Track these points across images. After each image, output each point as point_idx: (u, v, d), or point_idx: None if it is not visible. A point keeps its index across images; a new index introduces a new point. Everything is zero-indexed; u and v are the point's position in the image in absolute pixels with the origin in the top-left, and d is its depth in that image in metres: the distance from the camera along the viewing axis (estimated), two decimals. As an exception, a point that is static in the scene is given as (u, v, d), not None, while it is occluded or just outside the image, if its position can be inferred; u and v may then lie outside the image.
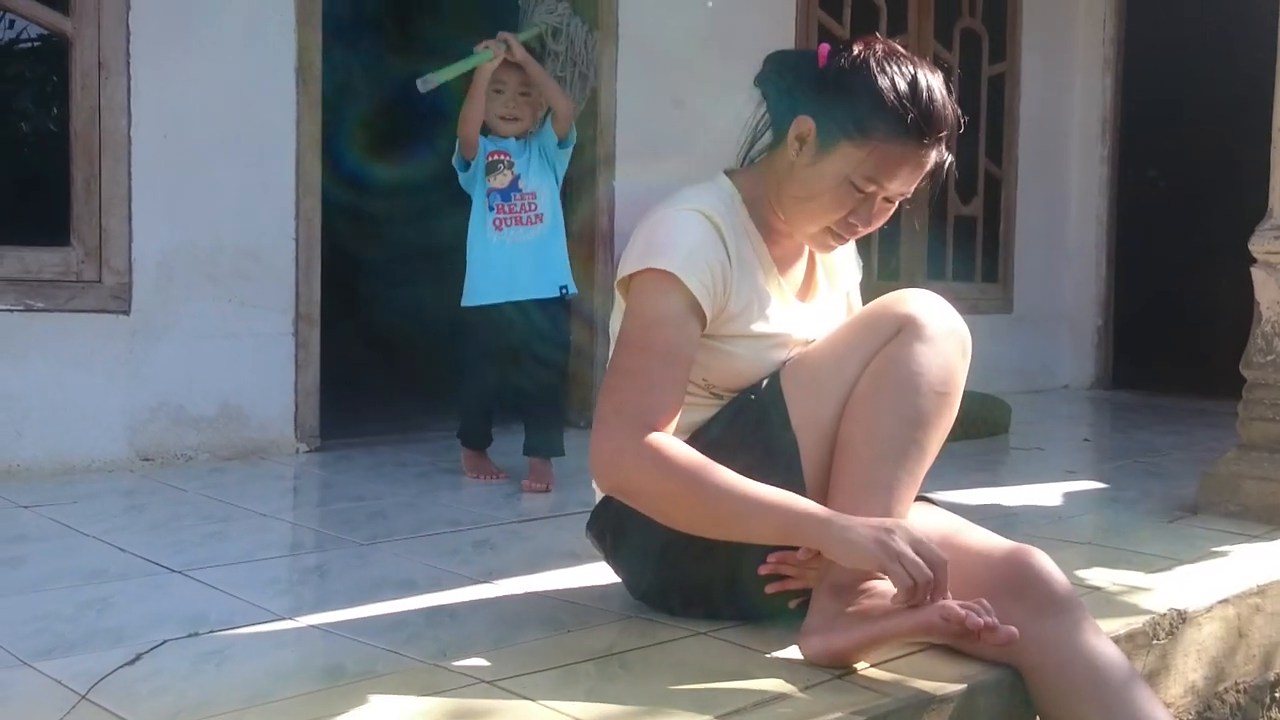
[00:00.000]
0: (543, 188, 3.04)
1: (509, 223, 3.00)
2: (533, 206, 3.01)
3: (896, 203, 1.70)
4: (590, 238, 4.13)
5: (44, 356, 3.04)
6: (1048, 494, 3.02)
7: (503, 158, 3.02)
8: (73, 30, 3.08)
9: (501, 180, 3.01)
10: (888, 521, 1.49)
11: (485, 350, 3.04)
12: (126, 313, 3.15)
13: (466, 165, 3.04)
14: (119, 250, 3.14)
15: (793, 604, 1.64)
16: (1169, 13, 5.75)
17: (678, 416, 1.61)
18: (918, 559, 1.44)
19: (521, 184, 3.01)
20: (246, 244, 3.34)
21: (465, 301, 3.02)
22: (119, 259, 3.14)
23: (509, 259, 2.98)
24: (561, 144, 3.09)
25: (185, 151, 3.22)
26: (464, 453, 3.13)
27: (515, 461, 3.09)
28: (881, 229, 1.76)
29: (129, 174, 3.14)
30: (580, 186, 4.16)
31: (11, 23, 4.66)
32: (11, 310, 2.99)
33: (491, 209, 3.00)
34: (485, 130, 3.04)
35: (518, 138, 3.06)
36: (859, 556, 1.48)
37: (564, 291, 3.02)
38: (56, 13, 3.11)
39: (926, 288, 1.75)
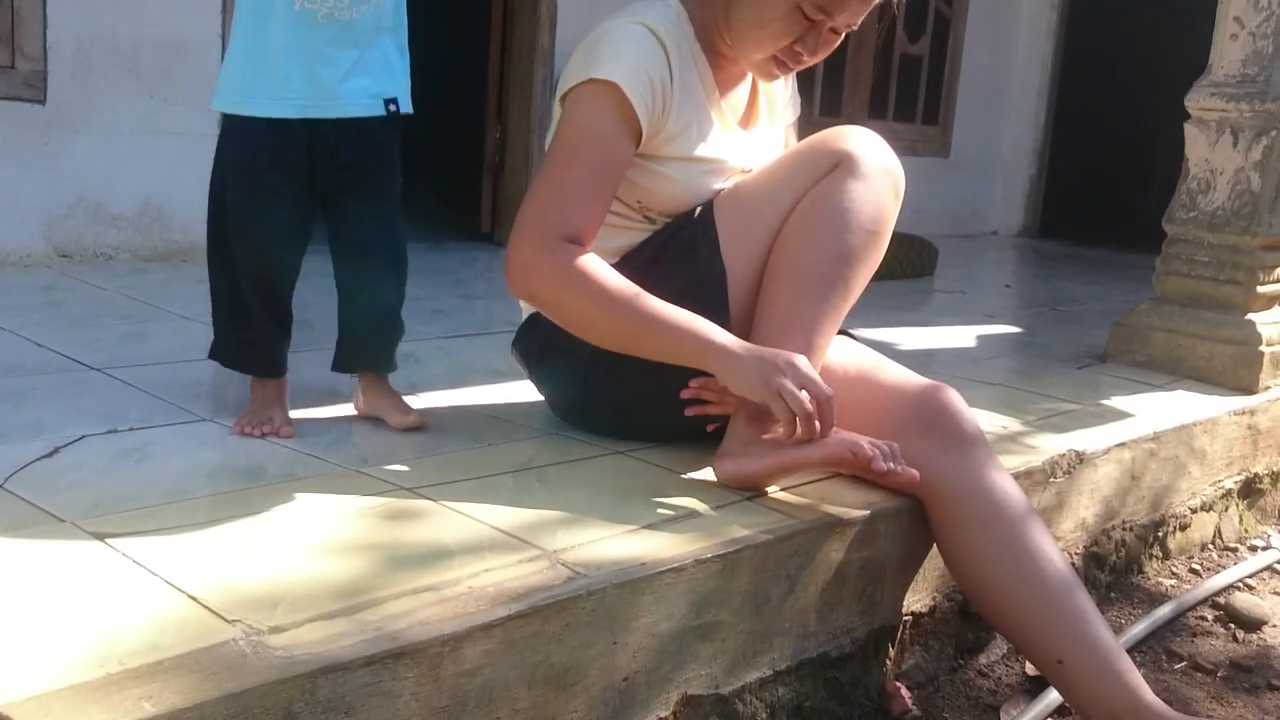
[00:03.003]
0: None
1: None
2: None
3: (843, 35, 1.68)
4: (530, 54, 4.02)
5: (-46, 143, 2.92)
6: (965, 336, 3.10)
7: None
8: None
9: None
10: (780, 354, 1.52)
11: (271, 194, 1.70)
12: (41, 102, 3.03)
13: None
14: (33, 35, 2.99)
15: (710, 429, 1.68)
16: None
17: (594, 229, 1.60)
18: (799, 394, 1.48)
19: None
20: (171, 38, 3.20)
21: (225, 105, 1.69)
22: (32, 45, 2.99)
23: (315, 43, 1.65)
24: None
25: (103, -68, 3.05)
26: (252, 389, 1.79)
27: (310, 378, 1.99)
28: (825, 64, 1.74)
29: (42, -48, 2.97)
30: (522, -2, 4.03)
31: None
32: (-83, 92, 2.85)
33: None
34: None
35: None
36: (745, 388, 1.52)
37: (393, 109, 1.74)
38: None
39: (867, 126, 1.74)
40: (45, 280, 2.89)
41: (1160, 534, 2.31)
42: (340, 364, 1.86)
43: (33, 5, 2.97)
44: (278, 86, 1.66)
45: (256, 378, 1.79)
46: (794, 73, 1.77)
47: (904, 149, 5.14)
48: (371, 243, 1.78)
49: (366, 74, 1.71)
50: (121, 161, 3.16)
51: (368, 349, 1.84)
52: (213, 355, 1.82)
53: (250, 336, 1.77)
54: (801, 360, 1.51)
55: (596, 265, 1.57)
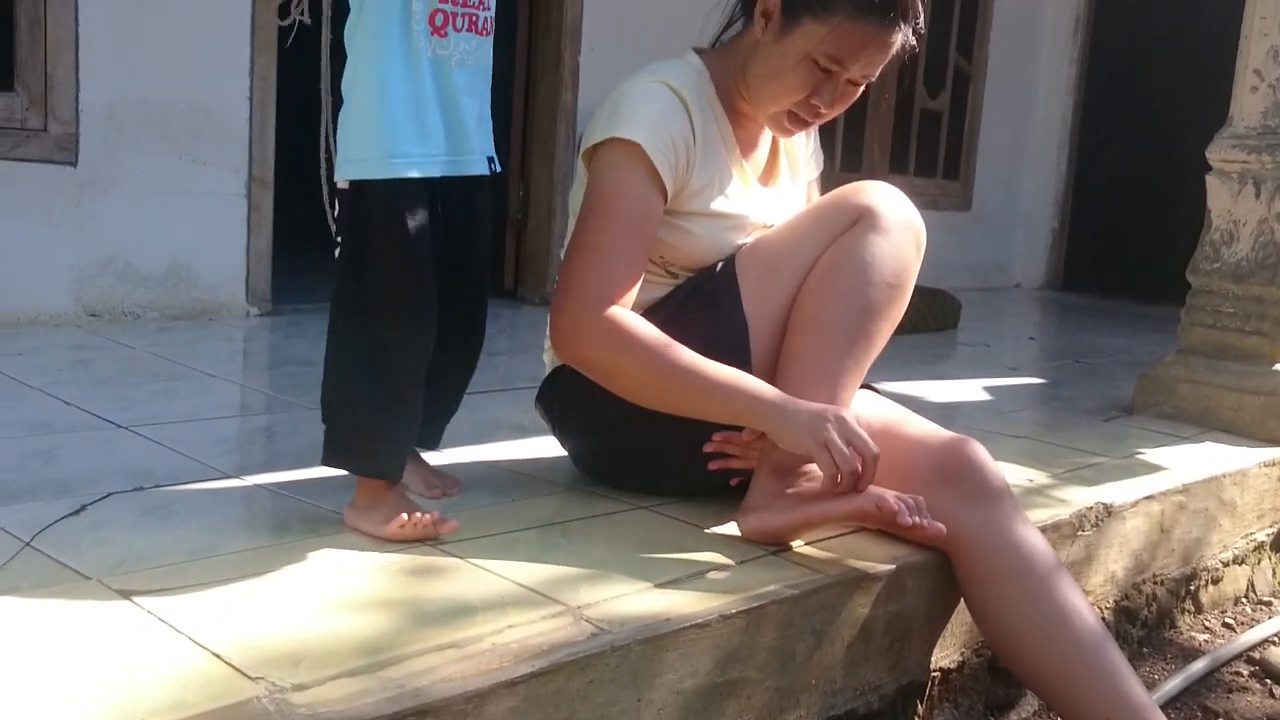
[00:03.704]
0: None
1: (458, 23, 1.51)
2: (485, 1, 1.54)
3: (860, 87, 1.69)
4: (553, 112, 4.07)
5: (-12, 205, 2.97)
6: (990, 389, 3.09)
7: None
8: None
9: None
10: (829, 409, 1.52)
11: (425, 264, 1.50)
12: (73, 164, 3.08)
13: None
14: (65, 98, 3.05)
15: (734, 482, 1.68)
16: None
17: (636, 289, 1.61)
18: (845, 449, 1.48)
19: None
20: (199, 100, 3.26)
21: (368, 171, 1.46)
22: (65, 108, 3.05)
23: (453, 92, 1.51)
24: None
25: (136, -1, 3.12)
26: (368, 493, 1.56)
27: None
28: (846, 119, 1.75)
29: (75, 18, 3.04)
30: (544, 58, 4.09)
31: None
32: (-47, 155, 2.91)
33: None
34: None
35: None
36: (794, 440, 1.52)
37: (494, 167, 1.60)
38: None
39: (888, 181, 1.75)
40: (74, 339, 2.93)
41: (1192, 588, 2.28)
42: None
43: (66, 69, 3.04)
44: (424, 142, 1.48)
45: (387, 481, 1.55)
46: (814, 128, 1.78)
47: (926, 203, 5.17)
48: (459, 322, 1.60)
49: (483, 127, 1.57)
50: (150, 221, 3.21)
51: (427, 423, 1.66)
52: (333, 459, 1.54)
53: (391, 434, 1.53)
54: (849, 415, 1.52)
55: (639, 324, 1.58)
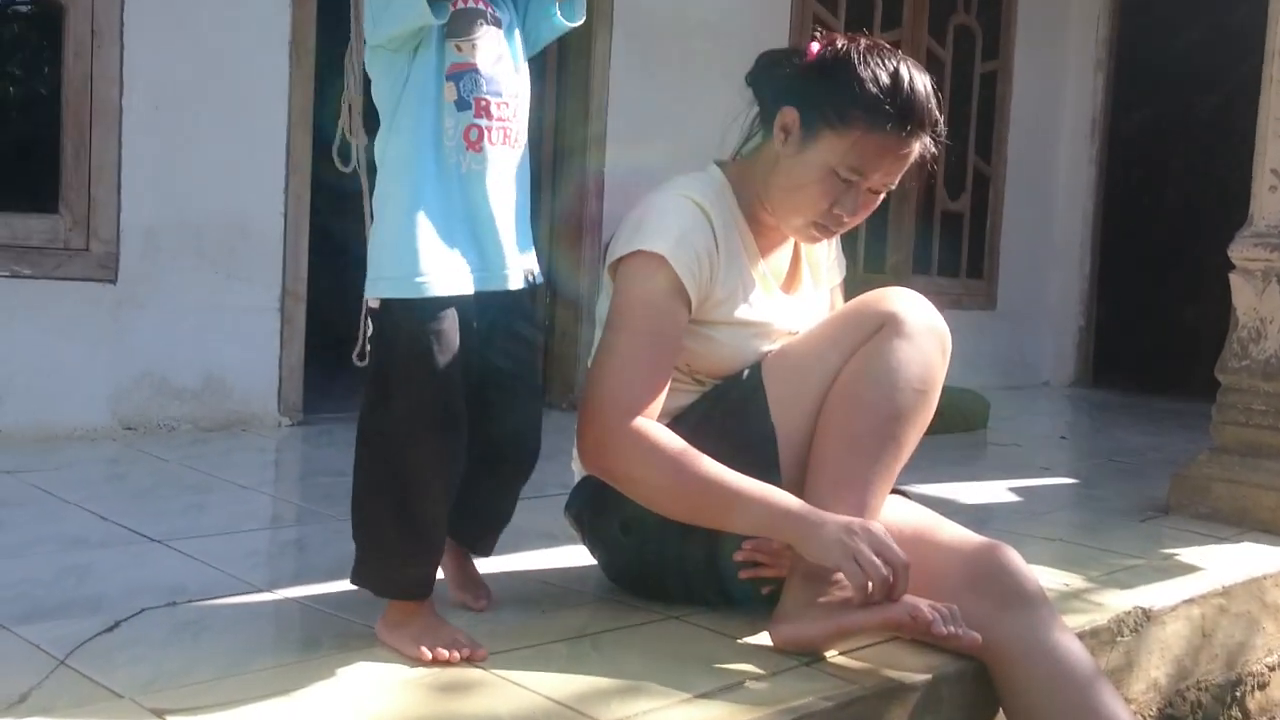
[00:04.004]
0: (526, 82, 1.58)
1: (493, 136, 1.49)
2: (517, 112, 1.53)
3: (881, 195, 1.72)
4: (579, 222, 4.15)
5: (29, 323, 3.04)
6: (1022, 490, 3.06)
7: (479, 4, 1.51)
8: (66, -3, 3.07)
9: (479, 52, 1.48)
10: (854, 521, 1.52)
11: (454, 384, 1.47)
12: (113, 281, 3.16)
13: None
14: (107, 219, 3.14)
15: (765, 590, 1.67)
16: (1162, 15, 5.78)
17: (661, 399, 1.63)
18: (875, 560, 1.48)
19: (506, 64, 1.53)
20: (234, 218, 3.34)
21: (396, 290, 1.45)
22: (107, 228, 3.14)
23: (487, 207, 1.49)
24: (566, 9, 1.61)
25: (176, 123, 3.22)
26: (398, 611, 1.54)
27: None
28: (868, 222, 1.78)
29: (119, 144, 3.14)
30: (568, 169, 4.17)
31: (2, -14, 4.64)
32: (-2, 275, 2.99)
33: (463, 105, 1.47)
34: None
35: None
36: (821, 554, 1.52)
37: (532, 280, 1.58)
38: (50, -21, 3.11)
39: (912, 282, 1.78)
40: (110, 453, 2.96)
41: (1238, 693, 2.23)
42: None
43: (108, 191, 3.13)
44: (454, 260, 1.45)
45: (415, 601, 1.53)
46: (837, 235, 1.81)
47: (950, 302, 5.20)
48: (506, 435, 1.59)
49: (520, 240, 1.55)
50: (186, 336, 3.27)
51: (473, 529, 1.68)
52: (361, 582, 1.54)
53: (415, 558, 1.50)
54: (877, 526, 1.52)
55: (664, 436, 1.59)
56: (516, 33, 1.56)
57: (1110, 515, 2.75)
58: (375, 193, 1.49)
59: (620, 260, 1.66)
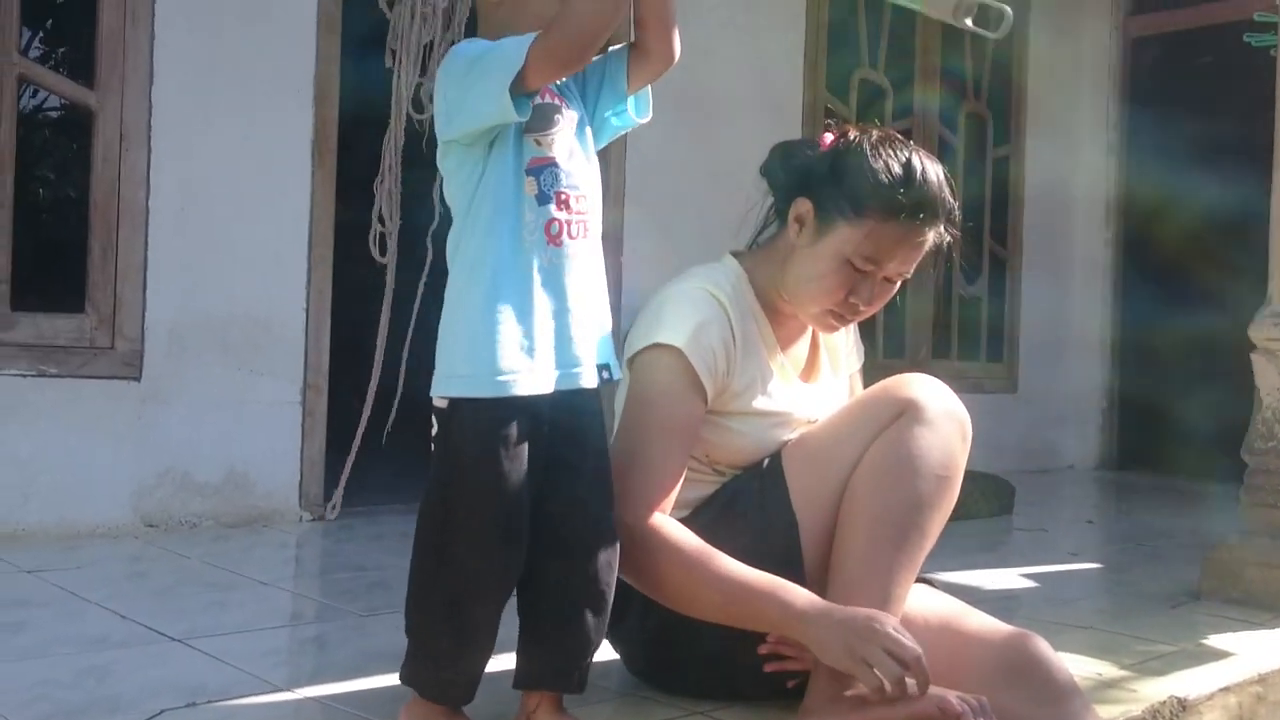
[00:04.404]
0: (597, 174, 1.56)
1: (573, 230, 1.48)
2: (592, 205, 1.52)
3: (898, 283, 1.73)
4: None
5: (54, 421, 3.07)
6: (1050, 577, 3.01)
7: (554, 99, 1.50)
8: (97, 103, 3.15)
9: (556, 146, 1.48)
10: (860, 618, 1.49)
11: (521, 487, 1.42)
12: (137, 379, 3.19)
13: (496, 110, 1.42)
14: (132, 318, 3.18)
15: (790, 684, 1.64)
16: (1172, 99, 5.84)
17: (676, 493, 1.62)
18: (887, 659, 1.45)
19: (580, 157, 1.52)
20: (257, 313, 3.39)
21: (471, 389, 1.42)
22: (132, 326, 3.18)
23: (565, 301, 1.47)
24: (635, 105, 1.59)
25: (201, 222, 3.28)
26: (423, 708, 1.51)
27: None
28: (886, 307, 1.79)
29: (145, 243, 3.20)
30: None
31: (35, 92, 4.79)
32: (25, 375, 3.02)
33: (544, 199, 1.46)
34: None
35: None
36: (831, 657, 1.51)
37: (606, 375, 1.54)
38: (82, 86, 3.20)
39: (932, 366, 1.78)
40: (132, 550, 2.96)
41: (1281, 785, 2.16)
42: (525, 679, 1.51)
43: (134, 290, 3.18)
44: (532, 358, 1.40)
45: (448, 706, 1.48)
46: (854, 322, 1.82)
47: (970, 386, 5.19)
48: (585, 532, 1.48)
49: (596, 334, 1.49)
50: (209, 431, 3.29)
51: (558, 661, 1.50)
52: (411, 682, 1.49)
53: (461, 664, 1.46)
54: (885, 620, 1.49)
55: (680, 533, 1.58)
56: (587, 128, 1.54)
57: (1141, 601, 2.71)
58: (449, 288, 1.45)
59: (637, 353, 1.67)
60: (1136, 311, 6.00)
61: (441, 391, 1.42)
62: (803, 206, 1.70)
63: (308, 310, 3.46)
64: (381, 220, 2.01)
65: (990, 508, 4.09)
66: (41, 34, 5.24)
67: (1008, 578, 2.96)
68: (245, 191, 3.36)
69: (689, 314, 1.66)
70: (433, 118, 1.58)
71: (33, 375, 3.03)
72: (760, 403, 1.72)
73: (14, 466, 3.00)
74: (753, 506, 1.69)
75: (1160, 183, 5.84)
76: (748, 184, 1.82)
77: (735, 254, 1.82)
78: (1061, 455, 5.94)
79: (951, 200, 1.69)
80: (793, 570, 1.59)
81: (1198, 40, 5.77)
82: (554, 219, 1.44)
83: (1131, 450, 5.97)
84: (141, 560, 2.86)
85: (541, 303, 1.43)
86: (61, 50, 5.28)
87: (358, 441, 3.46)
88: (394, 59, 2.86)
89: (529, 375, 1.40)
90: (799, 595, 1.54)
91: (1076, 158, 6.01)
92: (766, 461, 1.72)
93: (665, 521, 1.58)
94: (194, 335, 3.28)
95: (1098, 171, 6.01)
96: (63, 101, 4.02)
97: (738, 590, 1.55)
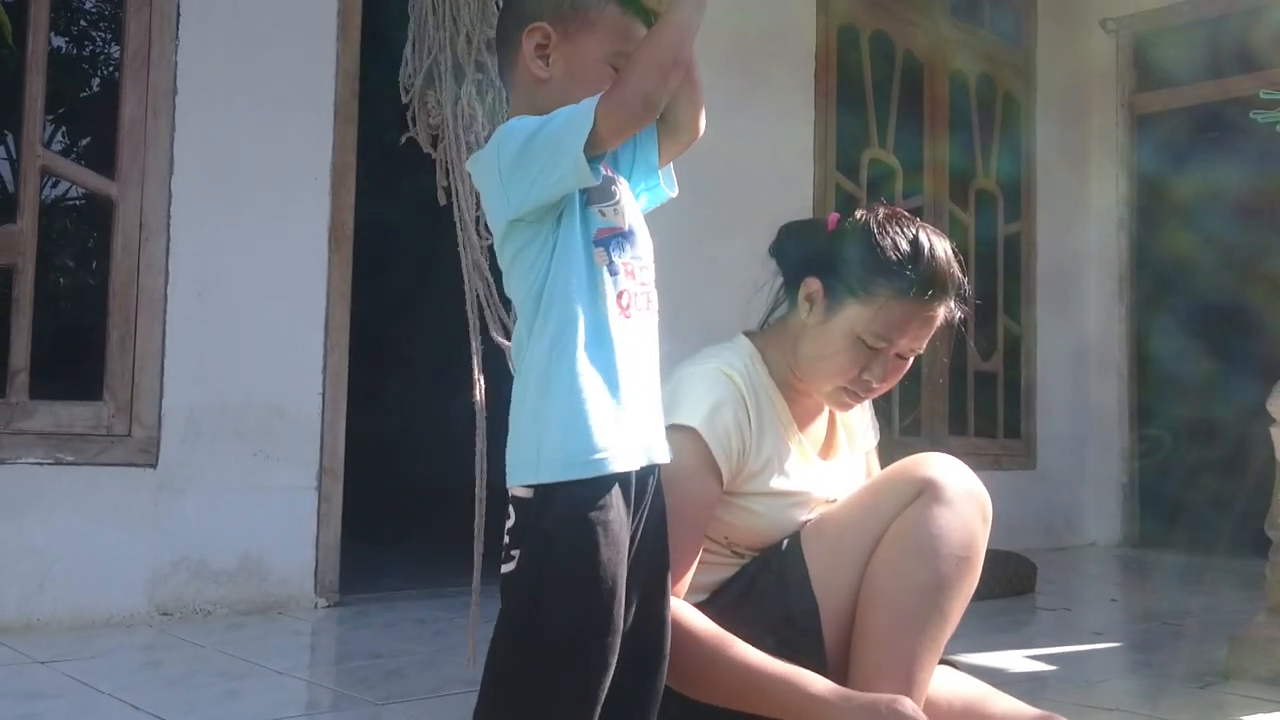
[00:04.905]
0: (650, 245, 1.47)
1: (639, 301, 1.41)
2: (649, 275, 1.45)
3: (910, 360, 1.73)
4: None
5: (70, 509, 3.06)
6: (1075, 657, 2.96)
7: (608, 172, 1.43)
8: (117, 194, 3.20)
9: (621, 215, 1.42)
10: (881, 703, 1.48)
11: (604, 580, 1.29)
12: (153, 466, 3.19)
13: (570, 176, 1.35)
14: (149, 405, 3.19)
15: (813, 772, 1.60)
16: (1181, 171, 5.87)
17: (690, 575, 1.61)
18: None
19: (639, 225, 1.46)
20: (273, 399, 3.40)
21: (569, 472, 1.30)
22: (149, 413, 3.19)
23: (637, 374, 1.38)
24: (664, 179, 1.53)
25: (218, 310, 3.31)
26: None
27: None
28: (902, 385, 1.78)
29: (163, 331, 3.22)
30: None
31: (56, 182, 4.87)
32: (42, 463, 3.03)
33: (614, 270, 1.39)
34: None
35: None
36: None
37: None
38: (103, 177, 3.25)
39: (949, 443, 1.78)
40: (146, 639, 2.94)
41: None
42: None
43: (151, 377, 3.20)
44: (622, 432, 1.31)
45: None
46: (868, 400, 1.81)
47: (988, 463, 5.15)
48: (649, 632, 1.36)
49: (660, 407, 1.42)
50: (224, 518, 3.28)
51: None
52: None
53: None
54: (907, 705, 1.47)
55: (694, 619, 1.57)
56: (637, 200, 1.48)
57: (1168, 682, 2.65)
58: (523, 373, 1.35)
59: (653, 434, 1.67)
60: (1155, 385, 5.98)
61: (531, 479, 1.30)
62: (812, 285, 1.71)
63: (324, 394, 3.47)
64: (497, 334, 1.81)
65: (1012, 587, 4.03)
66: (64, 126, 5.35)
67: (1032, 659, 2.91)
68: (262, 278, 3.40)
69: (704, 395, 1.66)
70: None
71: (49, 464, 3.04)
72: (778, 482, 1.71)
73: (30, 556, 2.99)
74: (772, 591, 1.67)
75: (1174, 256, 5.86)
76: (760, 265, 1.84)
77: (748, 333, 1.83)
78: (1083, 532, 5.88)
79: (961, 276, 1.70)
80: (814, 655, 1.57)
81: (1204, 115, 5.83)
82: (624, 290, 1.37)
83: (1155, 527, 5.89)
84: (155, 649, 2.84)
85: (626, 377, 1.34)
86: (84, 142, 5.39)
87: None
88: (448, 193, 2.27)
89: (625, 451, 1.31)
90: (818, 682, 1.52)
91: (1087, 232, 6.05)
92: (785, 543, 1.71)
93: (680, 607, 1.56)
94: (210, 421, 3.29)
95: (1109, 245, 6.03)
96: (84, 191, 4.08)
97: (755, 677, 1.53)
